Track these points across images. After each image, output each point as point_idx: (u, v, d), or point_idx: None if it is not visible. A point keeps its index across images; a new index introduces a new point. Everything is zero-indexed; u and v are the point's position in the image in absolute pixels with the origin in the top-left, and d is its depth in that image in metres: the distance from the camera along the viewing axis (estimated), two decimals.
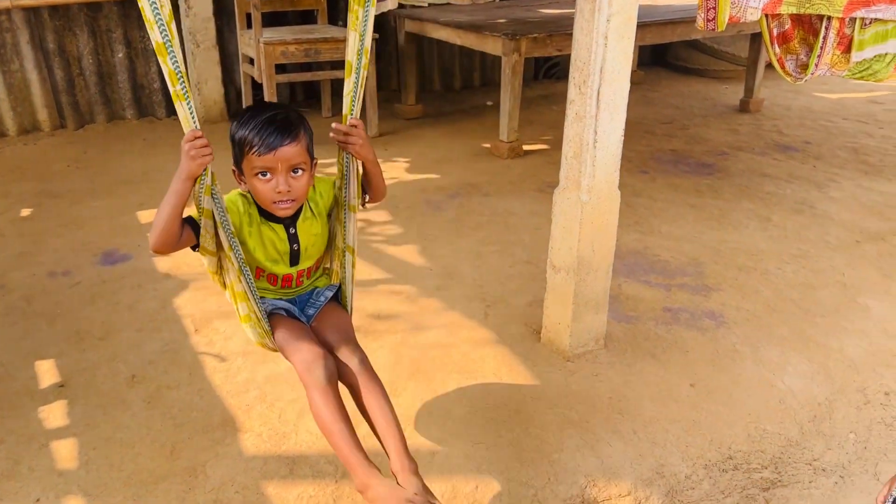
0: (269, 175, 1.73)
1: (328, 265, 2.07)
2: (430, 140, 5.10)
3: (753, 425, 2.34)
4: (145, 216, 3.70)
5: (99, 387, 2.39)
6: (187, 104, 1.60)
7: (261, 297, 1.88)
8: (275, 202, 1.76)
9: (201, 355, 2.57)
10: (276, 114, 1.74)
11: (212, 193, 1.70)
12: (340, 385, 1.86)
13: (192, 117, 1.62)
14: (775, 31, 3.36)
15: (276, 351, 1.95)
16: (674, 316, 2.89)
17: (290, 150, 1.72)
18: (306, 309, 1.99)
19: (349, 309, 2.04)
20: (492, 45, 4.62)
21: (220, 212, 1.73)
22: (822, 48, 3.33)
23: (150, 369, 2.48)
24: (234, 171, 1.83)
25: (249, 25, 4.74)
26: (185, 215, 1.72)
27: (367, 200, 1.99)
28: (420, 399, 2.35)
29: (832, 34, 3.31)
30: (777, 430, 2.34)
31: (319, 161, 1.92)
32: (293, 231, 1.87)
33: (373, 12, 1.76)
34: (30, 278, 3.09)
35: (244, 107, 1.86)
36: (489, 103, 6.12)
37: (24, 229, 3.56)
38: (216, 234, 1.75)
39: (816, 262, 3.36)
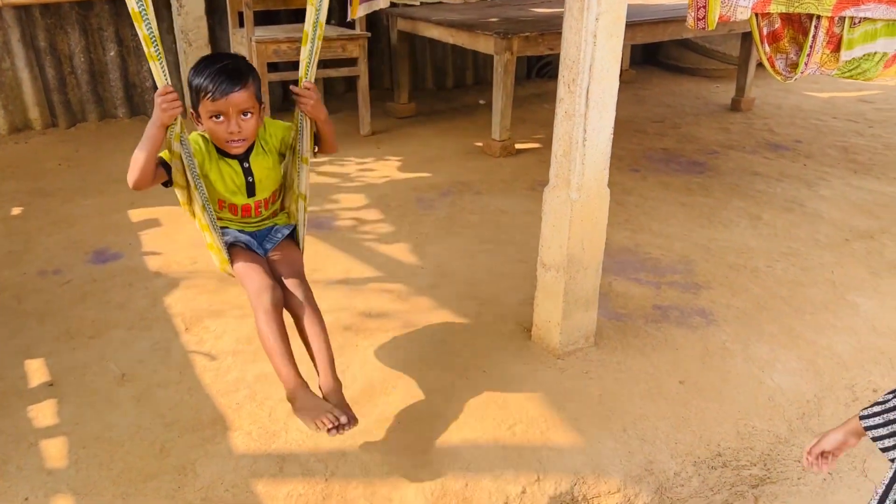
0: (221, 118, 1.98)
1: (289, 205, 2.28)
2: (422, 138, 5.10)
3: (742, 422, 2.35)
4: (137, 215, 3.70)
5: (88, 385, 2.39)
6: (160, 63, 1.84)
7: (224, 228, 2.16)
8: (227, 141, 2.01)
9: (191, 354, 2.57)
10: (227, 63, 1.98)
11: (180, 140, 1.94)
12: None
13: (164, 75, 1.86)
14: (765, 30, 3.37)
15: (233, 276, 2.18)
16: (664, 313, 2.90)
17: (240, 96, 1.96)
18: (264, 243, 2.22)
19: (301, 247, 2.29)
20: (484, 44, 4.63)
21: (188, 155, 1.97)
22: (811, 47, 3.34)
23: (140, 368, 2.48)
24: (192, 113, 2.05)
25: (241, 24, 4.74)
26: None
27: (316, 151, 2.24)
28: (411, 397, 2.35)
29: (822, 33, 3.32)
30: (766, 426, 2.35)
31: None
32: (247, 165, 2.11)
33: None
34: (20, 277, 3.08)
35: (199, 57, 2.05)
36: (481, 102, 6.12)
37: (15, 228, 3.55)
38: (184, 172, 2.00)
39: (806, 260, 3.37)
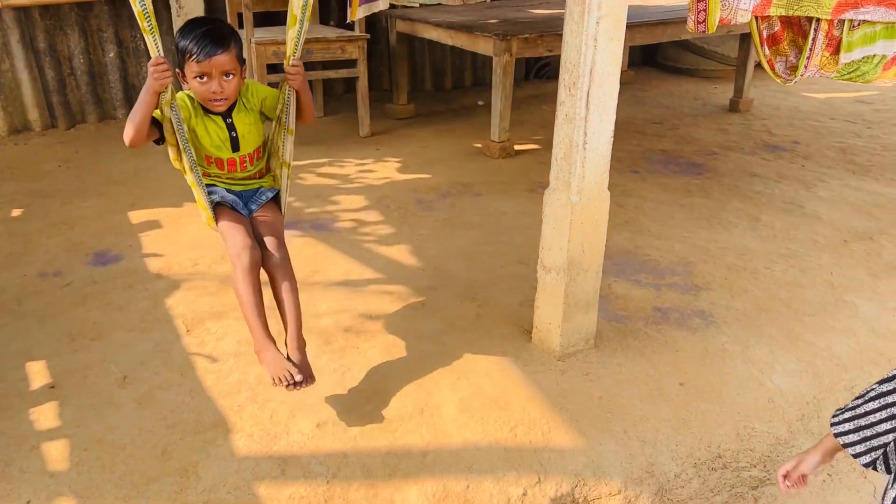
0: (205, 78, 2.12)
1: (273, 169, 2.44)
2: (421, 140, 5.11)
3: (742, 424, 2.36)
4: (137, 216, 3.70)
5: (90, 388, 2.39)
6: (153, 37, 1.98)
7: (213, 186, 2.31)
8: (210, 100, 2.16)
9: (193, 356, 2.57)
10: (211, 28, 2.12)
11: (171, 105, 2.09)
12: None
13: (157, 47, 2.00)
14: (765, 33, 3.39)
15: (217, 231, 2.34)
16: (664, 315, 2.91)
17: (223, 59, 2.10)
18: (249, 204, 2.37)
19: (283, 210, 2.45)
20: (483, 46, 4.64)
21: (177, 120, 2.12)
22: (811, 50, 3.35)
23: (141, 370, 2.48)
24: (178, 72, 2.18)
25: (241, 25, 4.74)
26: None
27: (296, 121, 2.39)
28: (411, 399, 2.36)
29: (821, 36, 3.33)
30: (766, 428, 2.36)
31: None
32: (230, 121, 2.26)
33: None
34: (20, 279, 3.08)
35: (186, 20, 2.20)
36: (480, 103, 6.13)
37: (15, 229, 3.55)
38: (174, 134, 2.15)
39: (805, 262, 3.38)
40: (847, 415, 1.41)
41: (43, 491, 1.97)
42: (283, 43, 4.54)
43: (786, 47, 3.39)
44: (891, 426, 1.33)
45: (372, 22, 5.69)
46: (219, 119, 2.24)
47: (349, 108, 5.63)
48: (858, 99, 6.50)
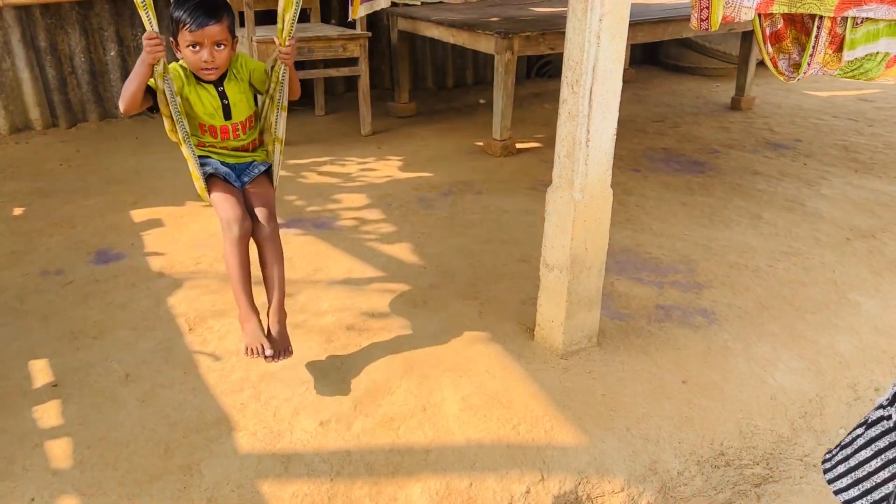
0: (197, 48, 2.20)
1: (266, 144, 2.52)
2: (423, 138, 5.11)
3: (745, 422, 2.36)
4: (138, 215, 3.70)
5: (93, 386, 2.39)
6: (145, 13, 2.05)
7: (207, 158, 2.38)
8: (202, 69, 2.23)
9: (195, 354, 2.57)
10: None
11: (164, 77, 2.16)
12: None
13: (151, 22, 2.06)
14: (768, 31, 3.38)
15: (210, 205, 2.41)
16: (666, 313, 2.91)
17: (215, 29, 2.17)
18: (242, 176, 2.43)
19: (275, 184, 2.52)
20: (485, 44, 4.63)
21: (170, 92, 2.19)
22: (814, 47, 3.35)
23: (144, 368, 2.48)
24: (171, 41, 2.26)
25: (242, 24, 4.73)
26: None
27: None
28: (414, 397, 2.36)
29: (824, 33, 3.33)
30: (768, 426, 2.36)
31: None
32: (221, 89, 2.33)
33: None
34: (22, 277, 3.08)
35: None
36: (482, 101, 6.13)
37: (17, 228, 3.55)
38: (168, 105, 2.21)
39: (807, 260, 3.38)
40: (841, 468, 1.34)
41: (46, 489, 1.97)
42: None
43: (789, 45, 3.39)
44: (889, 473, 1.25)
45: (373, 20, 5.69)
46: (211, 87, 2.30)
47: (350, 106, 5.63)
48: (861, 97, 6.49)
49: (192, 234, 3.46)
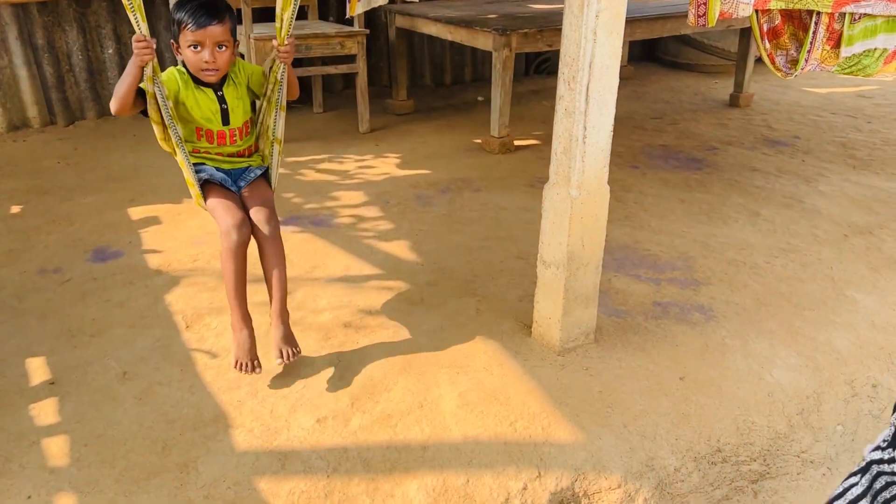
0: (199, 48, 2.19)
1: (262, 149, 2.50)
2: (420, 135, 5.10)
3: (742, 418, 2.36)
4: (136, 213, 3.70)
5: (90, 384, 2.39)
6: (133, 15, 2.03)
7: (202, 165, 2.35)
8: (202, 70, 2.22)
9: (193, 351, 2.57)
10: (207, 0, 2.19)
11: (154, 81, 2.13)
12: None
13: (139, 25, 2.05)
14: (765, 27, 3.38)
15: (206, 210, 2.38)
16: (663, 310, 2.91)
17: (217, 29, 2.17)
18: (238, 181, 2.41)
19: (273, 186, 2.51)
20: (483, 41, 4.63)
21: (161, 96, 2.17)
22: (811, 43, 3.35)
23: (141, 366, 2.48)
24: (172, 43, 2.26)
25: (240, 21, 4.73)
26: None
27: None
28: (411, 393, 2.36)
29: (822, 29, 3.33)
30: (765, 422, 2.36)
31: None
32: (220, 94, 2.32)
33: None
34: (20, 275, 3.08)
35: None
36: (480, 98, 6.12)
37: (14, 226, 3.55)
38: (159, 110, 2.19)
39: (805, 256, 3.38)
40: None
41: (43, 486, 1.97)
42: None
43: (786, 41, 3.38)
44: None
45: (371, 17, 5.68)
46: (210, 91, 2.29)
47: (348, 104, 5.63)
48: (859, 93, 6.49)
49: (189, 232, 3.46)
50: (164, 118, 2.20)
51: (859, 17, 3.33)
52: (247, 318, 2.34)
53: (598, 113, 2.27)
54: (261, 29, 4.63)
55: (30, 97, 4.93)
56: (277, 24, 2.31)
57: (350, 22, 4.96)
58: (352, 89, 5.65)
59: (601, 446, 2.19)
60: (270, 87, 2.37)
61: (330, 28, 4.93)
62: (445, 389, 2.38)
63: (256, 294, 2.53)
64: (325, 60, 5.21)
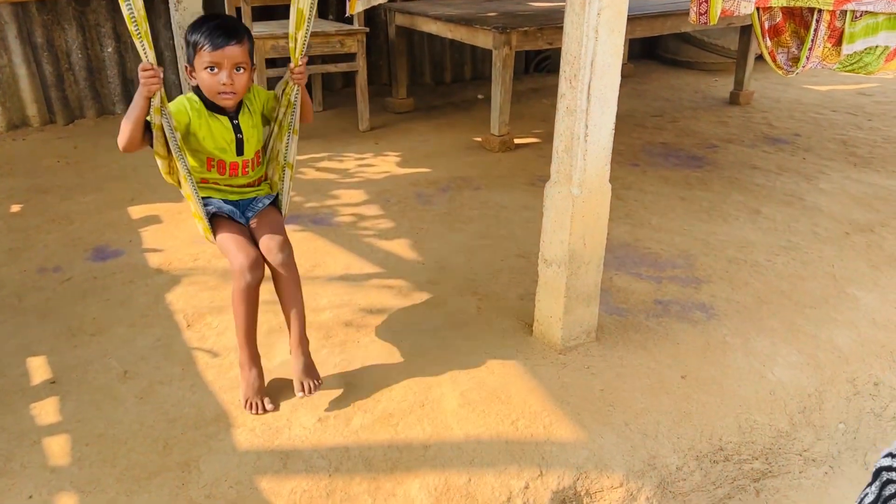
0: (216, 70, 2.08)
1: (271, 176, 2.41)
2: (420, 134, 5.10)
3: (744, 416, 2.35)
4: (136, 211, 3.69)
5: (91, 383, 2.38)
6: (140, 43, 1.93)
7: (208, 197, 2.26)
8: (219, 93, 2.11)
9: (194, 351, 2.56)
10: (225, 20, 2.11)
11: (161, 112, 2.03)
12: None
13: (145, 53, 1.95)
14: (766, 25, 3.37)
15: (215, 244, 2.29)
16: (664, 308, 2.90)
17: (235, 50, 2.07)
18: (246, 212, 2.32)
19: (284, 212, 2.42)
20: (483, 39, 4.62)
21: (169, 129, 2.06)
22: (813, 41, 3.34)
23: (142, 365, 2.48)
24: (186, 67, 2.16)
25: (240, 20, 4.72)
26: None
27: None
28: (412, 392, 2.35)
29: (823, 27, 3.32)
30: (767, 421, 2.36)
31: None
32: (236, 122, 2.21)
33: None
34: (20, 274, 3.07)
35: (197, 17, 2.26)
36: (480, 97, 6.11)
37: (14, 225, 3.54)
38: (166, 143, 2.09)
39: (806, 254, 3.38)
40: None
41: (44, 486, 1.97)
42: (282, 38, 4.54)
43: (787, 38, 3.38)
44: None
45: (371, 15, 5.68)
46: (225, 120, 2.19)
47: (348, 102, 5.62)
48: (860, 91, 6.49)
49: (190, 231, 3.45)
50: (172, 149, 2.09)
51: (861, 15, 3.33)
52: (256, 358, 2.28)
53: (599, 111, 2.26)
54: (260, 28, 4.63)
55: (29, 96, 4.92)
56: (291, 45, 2.22)
57: (350, 20, 4.95)
58: (352, 87, 5.64)
59: (603, 445, 2.18)
60: (283, 110, 2.28)
61: (330, 26, 4.93)
62: (447, 388, 2.38)
63: (264, 292, 2.52)
64: (325, 59, 5.20)
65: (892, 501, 1.00)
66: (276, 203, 2.40)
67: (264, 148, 2.36)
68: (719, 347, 2.67)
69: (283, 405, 2.29)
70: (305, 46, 2.21)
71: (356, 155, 4.62)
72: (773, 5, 3.11)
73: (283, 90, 2.27)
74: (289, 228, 3.47)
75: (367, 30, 4.92)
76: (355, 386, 2.38)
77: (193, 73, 2.13)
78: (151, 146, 2.11)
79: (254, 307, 2.21)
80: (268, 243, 2.24)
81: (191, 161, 2.19)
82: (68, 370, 2.44)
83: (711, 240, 3.51)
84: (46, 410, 2.25)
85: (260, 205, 2.34)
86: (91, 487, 1.97)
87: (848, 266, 3.28)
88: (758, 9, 3.22)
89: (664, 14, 4.97)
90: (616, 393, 2.40)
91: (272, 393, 2.32)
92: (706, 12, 2.93)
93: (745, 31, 5.66)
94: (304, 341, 2.30)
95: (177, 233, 3.45)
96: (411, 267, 3.20)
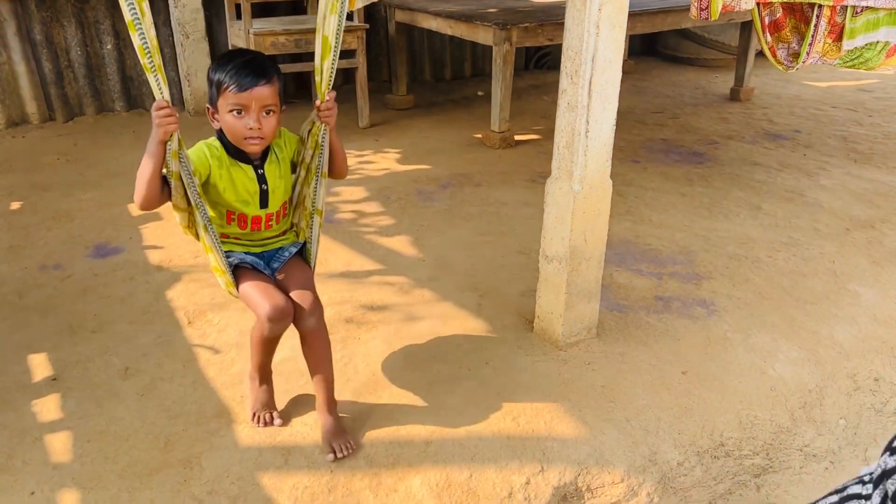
0: (242, 113, 1.86)
1: (297, 222, 2.20)
2: (421, 130, 5.09)
3: (745, 412, 2.36)
4: (136, 209, 3.68)
5: (92, 380, 2.39)
6: (154, 76, 1.73)
7: (229, 251, 2.05)
8: (246, 138, 1.88)
9: (195, 347, 2.57)
10: (253, 58, 1.89)
11: (179, 157, 1.81)
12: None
13: (160, 88, 1.75)
14: (767, 20, 3.37)
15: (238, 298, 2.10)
16: (665, 304, 2.90)
17: (264, 91, 1.85)
18: (272, 263, 2.12)
19: (312, 264, 2.20)
20: (483, 35, 4.61)
21: (187, 174, 1.85)
22: (813, 36, 3.34)
23: (143, 362, 2.48)
24: (207, 108, 1.95)
25: (239, 16, 4.72)
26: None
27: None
28: (413, 389, 2.35)
29: (823, 22, 3.32)
30: (768, 416, 2.36)
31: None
32: (261, 172, 2.00)
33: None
34: (21, 272, 3.07)
35: (222, 53, 2.01)
36: (480, 93, 6.11)
37: (14, 222, 3.54)
38: (185, 193, 1.88)
39: (807, 250, 3.38)
40: None
41: (46, 482, 1.97)
42: (281, 34, 4.54)
43: (788, 34, 3.38)
44: None
45: (371, 12, 5.66)
46: (249, 169, 1.97)
47: (348, 99, 5.61)
48: (860, 87, 6.48)
49: None
50: (191, 197, 1.88)
51: (861, 10, 3.32)
52: (268, 376, 2.22)
53: (600, 107, 2.26)
54: (260, 24, 4.62)
55: (29, 93, 4.92)
56: (317, 78, 1.98)
57: (350, 17, 4.95)
58: (351, 84, 5.63)
59: (604, 441, 2.19)
60: (310, 152, 2.05)
61: None
62: (447, 385, 2.38)
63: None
64: None
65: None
66: (302, 252, 2.19)
67: (292, 197, 2.14)
68: (720, 343, 2.67)
69: (284, 400, 2.29)
70: (332, 78, 1.99)
71: (356, 152, 4.61)
72: (774, 1, 3.11)
73: (310, 130, 2.03)
74: None
75: (367, 26, 4.91)
76: (356, 382, 2.38)
77: (216, 116, 1.92)
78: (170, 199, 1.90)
79: (272, 349, 2.17)
80: (296, 304, 2.03)
81: (210, 212, 1.98)
82: (69, 367, 2.45)
83: (712, 236, 3.51)
84: (48, 407, 2.26)
85: (286, 254, 2.13)
86: (93, 484, 1.97)
87: (848, 262, 3.28)
88: (758, 4, 3.21)
89: (665, 10, 4.97)
90: (617, 389, 2.40)
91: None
92: (707, 8, 2.92)
93: (746, 27, 5.65)
94: (332, 403, 2.14)
95: (177, 230, 3.42)
96: (412, 264, 3.20)
